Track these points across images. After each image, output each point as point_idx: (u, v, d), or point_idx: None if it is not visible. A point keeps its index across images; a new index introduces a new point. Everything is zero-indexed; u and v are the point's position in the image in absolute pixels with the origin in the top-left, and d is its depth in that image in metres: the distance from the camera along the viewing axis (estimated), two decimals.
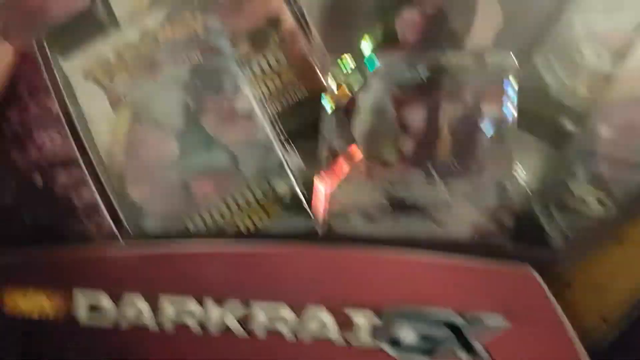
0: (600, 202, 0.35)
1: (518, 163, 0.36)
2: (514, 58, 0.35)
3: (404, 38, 0.40)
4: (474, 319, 0.30)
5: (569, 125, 0.36)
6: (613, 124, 0.35)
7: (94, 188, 0.37)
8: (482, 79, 0.36)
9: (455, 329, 0.31)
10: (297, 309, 0.33)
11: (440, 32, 0.39)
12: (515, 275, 0.31)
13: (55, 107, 0.37)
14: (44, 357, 0.35)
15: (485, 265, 0.32)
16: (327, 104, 0.37)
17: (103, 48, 0.39)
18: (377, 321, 0.32)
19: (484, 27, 0.39)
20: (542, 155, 0.37)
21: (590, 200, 0.35)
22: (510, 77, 0.35)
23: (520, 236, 0.34)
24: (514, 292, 0.31)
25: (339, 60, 0.38)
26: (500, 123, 0.35)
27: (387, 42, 0.40)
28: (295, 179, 0.38)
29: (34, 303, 0.35)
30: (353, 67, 0.37)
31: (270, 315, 0.33)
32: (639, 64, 0.36)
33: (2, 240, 0.37)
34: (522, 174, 0.36)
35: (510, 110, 0.35)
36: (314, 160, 0.37)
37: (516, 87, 0.35)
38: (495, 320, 0.30)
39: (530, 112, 0.36)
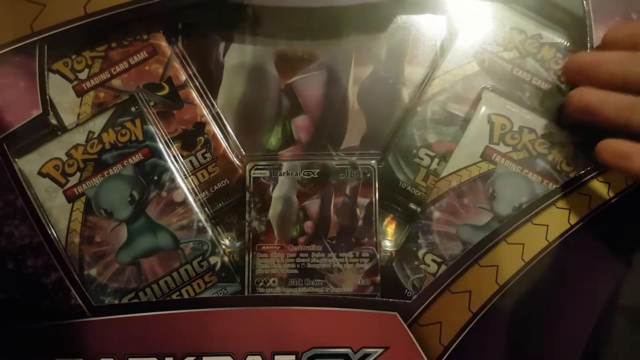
0: (436, 262, 0.45)
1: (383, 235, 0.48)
2: (375, 162, 0.47)
3: (298, 138, 0.49)
4: (361, 351, 0.42)
5: (414, 207, 0.47)
6: (441, 208, 0.46)
7: (59, 268, 0.41)
8: (355, 177, 0.47)
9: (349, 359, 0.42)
10: (239, 357, 0.41)
11: (324, 134, 0.50)
12: (385, 319, 0.42)
13: (20, 202, 0.42)
14: None
15: (366, 313, 0.42)
16: (247, 193, 0.47)
17: (54, 148, 0.45)
18: None
19: (353, 132, 0.49)
20: (398, 228, 0.48)
21: (429, 261, 0.45)
22: (374, 175, 0.47)
23: (386, 290, 0.45)
24: (385, 330, 0.42)
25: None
26: (369, 208, 0.47)
27: (285, 140, 0.49)
28: (225, 253, 0.46)
29: None
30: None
31: None
32: (456, 165, 0.46)
33: None
34: (387, 243, 0.48)
35: (375, 198, 0.47)
36: (240, 236, 0.47)
37: (377, 181, 0.47)
38: (374, 350, 0.42)
39: (388, 198, 0.47)
